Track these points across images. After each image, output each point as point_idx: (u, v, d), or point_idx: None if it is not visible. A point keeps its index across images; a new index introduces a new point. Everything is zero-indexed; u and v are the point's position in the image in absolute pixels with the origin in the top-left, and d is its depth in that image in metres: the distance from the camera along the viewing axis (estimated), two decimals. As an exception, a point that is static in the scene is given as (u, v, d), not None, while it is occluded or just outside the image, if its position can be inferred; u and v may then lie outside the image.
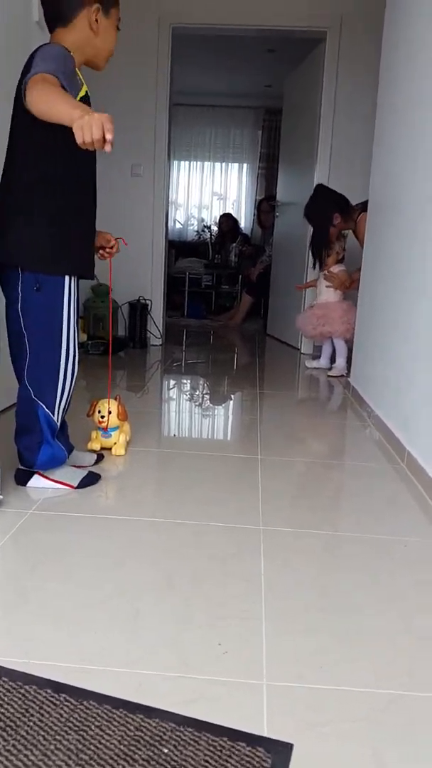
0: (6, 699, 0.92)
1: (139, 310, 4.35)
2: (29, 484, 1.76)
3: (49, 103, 1.35)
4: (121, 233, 4.18)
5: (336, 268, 3.76)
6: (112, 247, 1.90)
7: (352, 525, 1.67)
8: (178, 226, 8.06)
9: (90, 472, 1.84)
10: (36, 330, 1.66)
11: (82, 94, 1.58)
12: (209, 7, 4.08)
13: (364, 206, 3.49)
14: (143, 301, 4.38)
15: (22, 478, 1.76)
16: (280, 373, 3.86)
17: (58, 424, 1.75)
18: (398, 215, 2.48)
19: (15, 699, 0.92)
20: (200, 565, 1.39)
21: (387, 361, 2.51)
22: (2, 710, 0.89)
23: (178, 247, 7.29)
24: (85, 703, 0.92)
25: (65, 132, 1.31)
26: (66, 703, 0.92)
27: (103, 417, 2.04)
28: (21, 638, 1.10)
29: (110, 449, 2.07)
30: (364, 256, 3.14)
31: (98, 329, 4.23)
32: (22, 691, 0.94)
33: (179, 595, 1.26)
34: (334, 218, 3.70)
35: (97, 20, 1.60)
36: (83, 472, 1.82)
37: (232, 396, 3.20)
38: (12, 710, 0.89)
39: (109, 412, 2.04)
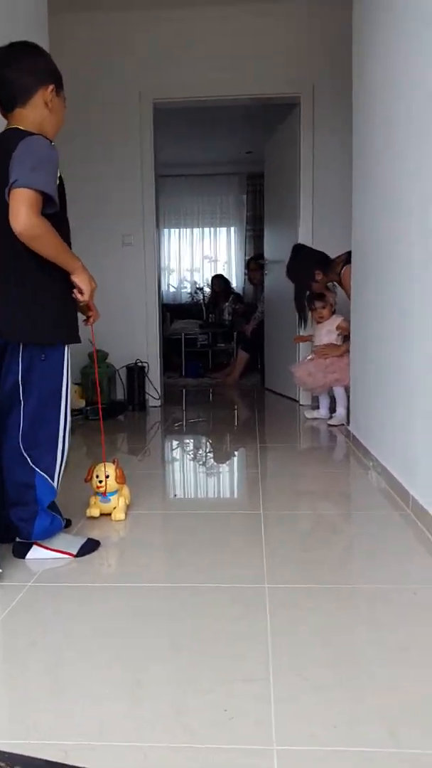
0: (3, 784, 0.87)
1: (136, 372, 4.39)
2: (28, 556, 1.72)
3: (48, 251, 1.59)
4: (115, 300, 4.32)
5: (333, 320, 3.78)
6: (89, 317, 1.89)
7: (359, 576, 1.63)
8: (171, 289, 8.23)
9: (89, 539, 1.81)
10: (38, 399, 1.67)
11: (57, 181, 1.64)
12: (188, 81, 4.29)
13: (348, 258, 3.54)
14: (140, 364, 4.42)
15: (20, 551, 1.73)
16: (280, 425, 3.84)
17: (57, 490, 1.74)
18: (380, 263, 2.53)
19: (13, 783, 0.87)
20: (204, 629, 1.35)
21: (384, 406, 2.51)
22: (-1, 796, 0.85)
23: (173, 310, 7.42)
24: (86, 782, 0.87)
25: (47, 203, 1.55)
26: (66, 785, 0.87)
27: (101, 481, 2.02)
28: (21, 716, 1.06)
29: (110, 515, 2.05)
30: (352, 307, 3.19)
31: (96, 394, 4.24)
32: (21, 774, 0.89)
33: (183, 661, 1.22)
34: (315, 275, 3.77)
35: (51, 99, 1.69)
36: (82, 539, 1.79)
37: (234, 452, 3.18)
38: (10, 796, 0.85)
39: (107, 476, 2.02)
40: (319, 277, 3.76)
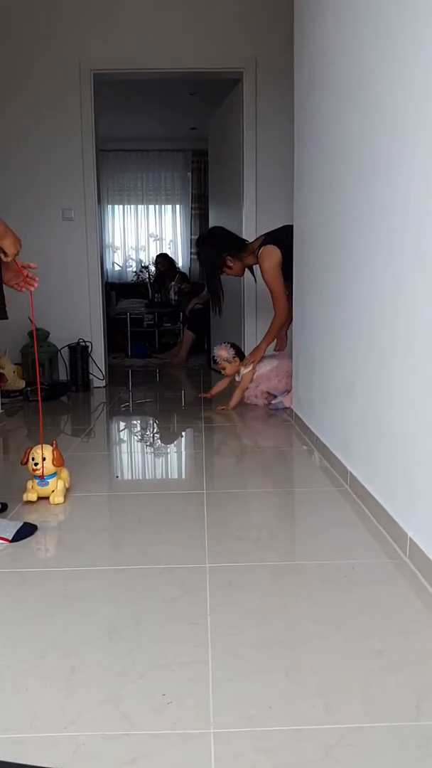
0: None
1: (79, 352, 4.29)
2: None
3: None
4: (56, 276, 4.19)
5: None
6: (31, 276, 1.82)
7: (299, 553, 1.64)
8: (116, 268, 8.07)
9: (26, 524, 1.75)
10: None
11: None
12: (129, 53, 4.16)
13: (266, 239, 3.51)
14: (83, 344, 4.32)
15: None
16: (222, 403, 3.83)
17: None
18: (321, 237, 2.53)
19: None
20: (142, 612, 1.33)
21: (324, 385, 2.53)
22: None
23: (118, 289, 7.29)
24: (14, 777, 0.84)
25: None
26: (-7, 781, 0.84)
27: (36, 464, 1.96)
28: None
29: (48, 498, 1.99)
30: (295, 282, 3.18)
31: (34, 374, 4.13)
32: None
33: (120, 646, 1.20)
34: (227, 261, 3.61)
35: None
36: (18, 524, 1.74)
37: (180, 433, 3.15)
38: None
39: (44, 459, 1.96)
40: (231, 263, 3.62)
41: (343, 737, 0.94)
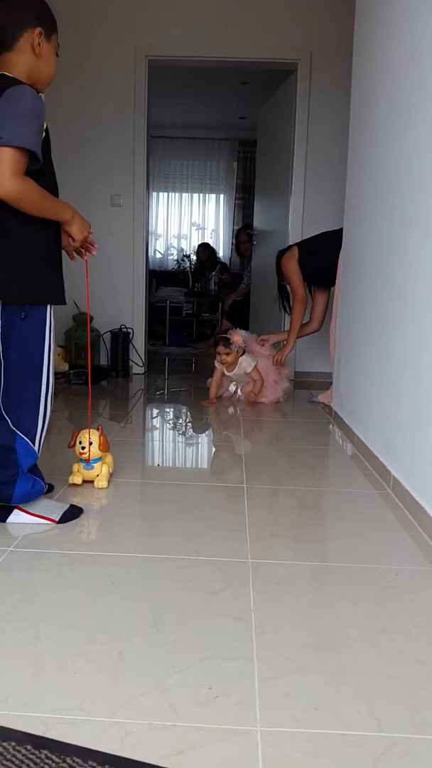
0: (-18, 759, 0.85)
1: (120, 338, 4.32)
2: (9, 520, 1.69)
3: (34, 211, 1.53)
4: (102, 262, 4.19)
5: (245, 364, 3.54)
6: (90, 245, 1.79)
7: (341, 554, 1.63)
8: (158, 255, 8.10)
9: (72, 506, 1.78)
10: (18, 359, 1.61)
11: (44, 134, 1.57)
12: (184, 40, 4.15)
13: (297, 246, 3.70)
14: (125, 330, 4.35)
15: (1, 515, 1.70)
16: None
17: (39, 454, 1.70)
18: (374, 240, 2.49)
19: (-8, 758, 0.86)
20: (186, 603, 1.34)
21: (369, 386, 2.50)
22: (-22, 771, 0.83)
23: (159, 276, 7.32)
24: (68, 760, 0.86)
25: (32, 159, 1.49)
26: (47, 761, 0.86)
27: (84, 448, 1.98)
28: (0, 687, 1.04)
29: (92, 482, 2.02)
30: (342, 284, 3.15)
31: (80, 358, 4.18)
32: (0, 749, 0.87)
33: (165, 635, 1.21)
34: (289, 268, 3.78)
35: (39, 44, 1.58)
36: (65, 506, 1.77)
37: (216, 423, 3.16)
38: (-11, 771, 0.83)
39: (90, 443, 1.99)
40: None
41: (391, 747, 0.93)
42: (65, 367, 4.02)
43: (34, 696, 1.01)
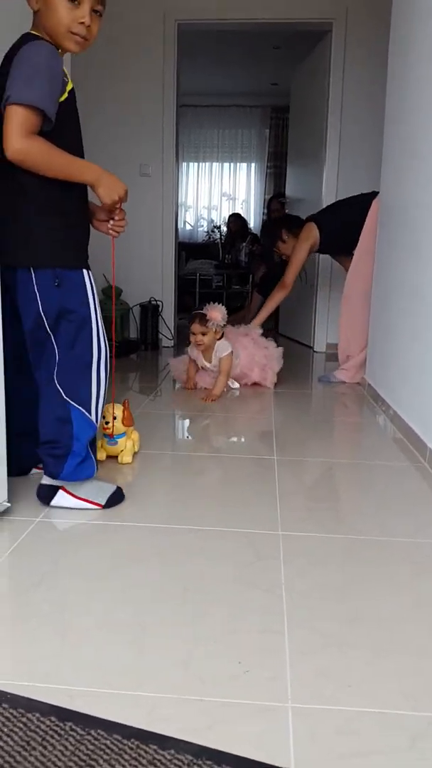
0: (6, 730, 0.84)
1: (150, 311, 4.28)
2: (53, 502, 1.60)
3: (49, 172, 1.45)
4: (130, 233, 4.10)
5: (219, 350, 3.02)
6: (119, 221, 1.69)
7: (374, 528, 1.57)
8: (188, 227, 8.00)
9: (118, 488, 1.69)
10: (65, 328, 1.54)
11: (68, 89, 1.49)
12: (214, 3, 4.01)
13: (315, 215, 3.51)
14: (154, 303, 4.31)
15: (46, 494, 1.61)
16: (293, 371, 3.75)
17: (97, 425, 1.62)
18: (412, 209, 2.38)
19: (16, 729, 0.84)
20: (215, 574, 1.30)
21: (404, 357, 2.41)
22: (1, 743, 0.81)
23: (189, 249, 7.23)
24: (92, 732, 0.84)
25: (61, 126, 1.44)
26: (71, 733, 0.83)
27: (107, 423, 1.94)
28: (24, 658, 1.02)
29: (116, 457, 1.99)
30: (377, 255, 3.03)
31: (109, 331, 4.15)
32: (24, 719, 0.86)
33: (194, 608, 1.18)
34: (282, 234, 3.59)
35: None
36: (111, 488, 1.66)
37: (246, 396, 3.11)
38: (12, 743, 0.81)
39: (114, 418, 1.95)
40: (285, 236, 3.57)
41: (429, 727, 0.89)
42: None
43: (59, 667, 1.00)
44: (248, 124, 7.77)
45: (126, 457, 1.97)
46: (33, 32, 1.48)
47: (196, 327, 2.94)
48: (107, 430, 1.95)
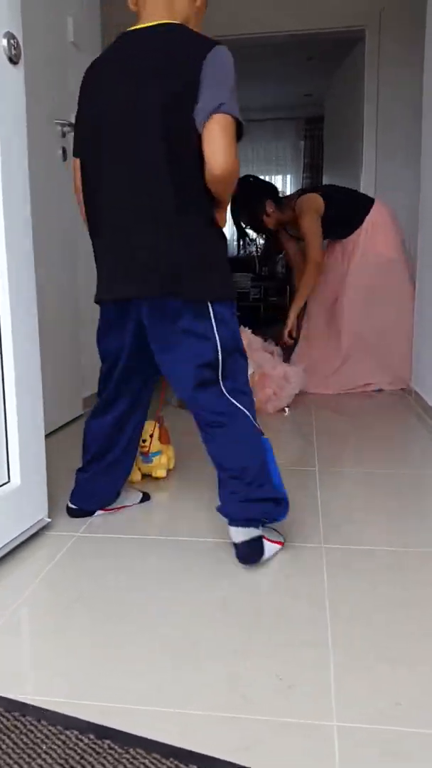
0: (44, 747, 0.82)
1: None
2: (267, 555, 1.37)
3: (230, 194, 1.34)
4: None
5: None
6: None
7: (423, 540, 1.52)
8: (225, 241, 8.03)
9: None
10: (236, 363, 1.39)
11: None
12: (242, 16, 4.04)
13: (302, 192, 3.23)
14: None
15: (253, 550, 1.36)
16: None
17: None
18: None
19: (54, 747, 0.82)
20: (257, 587, 1.27)
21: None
22: (40, 761, 0.80)
23: (226, 263, 7.24)
24: (131, 751, 0.82)
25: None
26: (110, 752, 0.81)
27: (144, 441, 1.89)
28: (63, 674, 1.01)
29: (151, 475, 1.96)
30: (420, 253, 2.97)
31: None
32: (62, 737, 0.84)
33: (234, 621, 1.15)
34: (267, 205, 3.15)
35: None
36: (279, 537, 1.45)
37: (286, 408, 3.06)
38: (51, 761, 0.80)
39: (151, 436, 1.90)
40: (270, 209, 3.16)
41: None
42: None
43: (97, 683, 0.98)
44: (282, 136, 7.79)
45: (160, 471, 1.94)
46: (173, 21, 1.36)
47: None
48: (144, 449, 1.90)
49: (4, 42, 1.30)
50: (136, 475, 1.92)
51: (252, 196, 3.15)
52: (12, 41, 1.31)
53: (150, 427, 1.91)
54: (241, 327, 2.33)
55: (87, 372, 2.88)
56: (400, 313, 3.15)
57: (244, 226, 3.29)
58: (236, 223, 3.29)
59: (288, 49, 5.29)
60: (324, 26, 4.02)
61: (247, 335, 2.70)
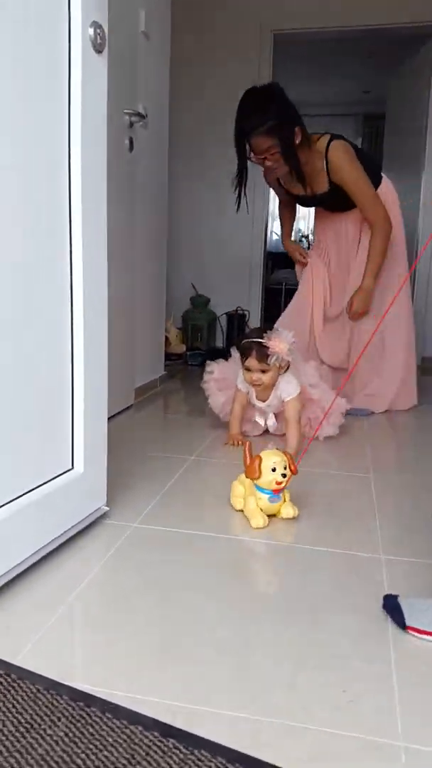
0: (111, 740, 0.82)
1: (236, 320, 4.28)
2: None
3: None
4: (220, 243, 4.17)
5: (282, 388, 2.20)
6: None
7: None
8: (275, 237, 7.96)
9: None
10: None
11: None
12: (308, 12, 3.99)
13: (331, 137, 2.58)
14: (241, 312, 4.30)
15: None
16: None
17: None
18: None
19: (120, 741, 0.82)
20: (316, 595, 1.25)
21: None
22: (107, 753, 0.80)
23: (275, 258, 7.19)
24: (196, 752, 0.81)
25: None
26: (175, 751, 0.81)
27: (284, 476, 1.56)
28: (122, 667, 1.01)
29: (275, 515, 1.62)
30: None
31: (196, 340, 4.19)
32: (128, 731, 0.84)
33: (295, 627, 1.13)
34: (297, 132, 2.43)
35: None
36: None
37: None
38: (117, 754, 0.80)
39: (285, 468, 1.57)
40: (298, 139, 2.44)
41: None
42: (182, 348, 4.03)
43: (160, 682, 0.98)
44: (340, 132, 7.64)
45: (290, 510, 1.61)
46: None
47: (252, 362, 2.11)
48: (281, 485, 1.57)
49: (91, 31, 1.30)
50: (260, 520, 1.56)
51: (291, 105, 2.44)
52: (98, 31, 1.31)
53: (281, 457, 1.59)
54: (279, 331, 2.07)
55: (139, 363, 2.89)
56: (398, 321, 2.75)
57: (258, 152, 2.42)
58: (240, 144, 2.44)
59: (348, 45, 5.20)
60: (389, 22, 3.95)
61: (287, 339, 2.09)
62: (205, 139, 4.21)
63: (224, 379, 2.40)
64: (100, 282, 1.43)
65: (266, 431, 2.40)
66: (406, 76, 4.46)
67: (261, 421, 2.36)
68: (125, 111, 2.41)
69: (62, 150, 1.28)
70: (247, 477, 1.61)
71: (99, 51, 1.33)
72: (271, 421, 2.34)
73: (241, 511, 1.64)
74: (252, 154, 2.45)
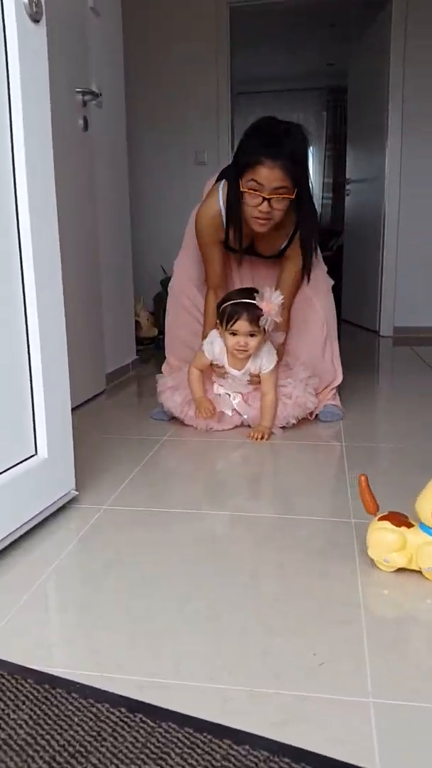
0: (76, 720, 0.81)
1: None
2: None
3: None
4: (183, 220, 4.08)
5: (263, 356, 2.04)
6: None
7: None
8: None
9: None
10: None
11: None
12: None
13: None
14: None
15: None
16: (360, 358, 3.64)
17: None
18: None
19: (86, 719, 0.81)
20: (288, 562, 1.25)
21: None
22: (72, 732, 0.79)
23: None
24: (163, 725, 0.80)
25: None
26: (142, 725, 0.80)
27: None
28: (92, 647, 0.99)
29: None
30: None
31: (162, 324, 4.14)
32: (94, 710, 0.83)
33: (266, 596, 1.13)
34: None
35: None
36: None
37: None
38: (83, 733, 0.79)
39: None
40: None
41: None
42: (155, 332, 3.99)
43: (128, 658, 0.97)
44: (304, 107, 7.62)
45: None
46: None
47: (242, 326, 1.95)
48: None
49: (25, -1, 1.25)
50: (402, 558, 1.17)
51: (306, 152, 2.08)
52: (33, -2, 1.26)
53: None
54: (268, 290, 1.84)
55: (109, 348, 2.86)
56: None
57: (269, 186, 1.93)
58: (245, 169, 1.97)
59: (309, 16, 5.15)
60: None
61: (278, 301, 1.91)
62: (164, 117, 4.14)
63: (177, 386, 2.19)
64: (53, 260, 1.39)
65: (238, 426, 2.15)
66: (367, 46, 4.42)
67: (227, 410, 2.12)
68: (77, 89, 2.35)
69: (2, 126, 1.24)
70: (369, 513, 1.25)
71: (36, 20, 1.29)
72: (249, 413, 2.12)
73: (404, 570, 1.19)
74: (250, 190, 1.95)
